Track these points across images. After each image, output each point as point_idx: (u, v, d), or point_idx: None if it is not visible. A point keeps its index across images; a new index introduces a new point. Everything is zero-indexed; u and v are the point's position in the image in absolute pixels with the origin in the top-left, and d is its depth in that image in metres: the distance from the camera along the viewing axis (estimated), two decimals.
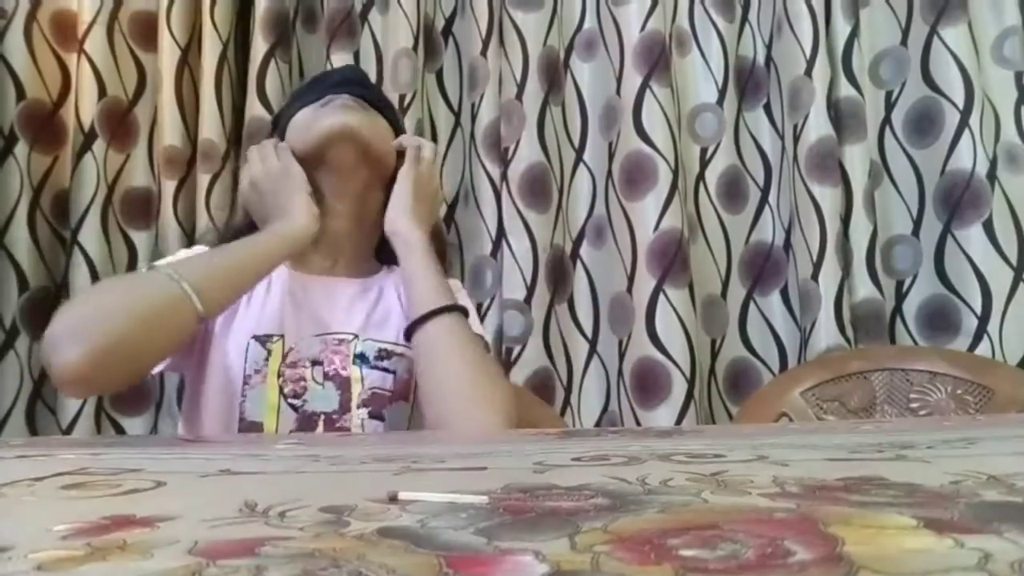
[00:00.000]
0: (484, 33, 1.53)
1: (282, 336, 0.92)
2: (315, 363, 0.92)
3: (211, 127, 1.51)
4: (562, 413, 1.46)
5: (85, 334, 0.75)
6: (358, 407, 0.92)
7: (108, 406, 1.49)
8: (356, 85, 0.97)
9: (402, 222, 0.95)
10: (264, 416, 0.89)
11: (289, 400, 0.90)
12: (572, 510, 0.32)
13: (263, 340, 0.92)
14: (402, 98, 1.52)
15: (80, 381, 0.76)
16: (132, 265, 1.53)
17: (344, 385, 0.92)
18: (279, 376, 0.91)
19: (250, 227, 0.99)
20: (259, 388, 0.90)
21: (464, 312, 0.91)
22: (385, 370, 0.94)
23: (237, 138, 1.55)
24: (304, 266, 0.98)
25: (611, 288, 1.48)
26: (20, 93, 1.49)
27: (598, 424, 1.47)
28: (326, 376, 0.92)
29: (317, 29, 1.62)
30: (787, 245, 1.48)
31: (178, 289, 0.78)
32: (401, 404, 0.94)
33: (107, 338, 0.74)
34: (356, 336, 0.94)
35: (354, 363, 0.93)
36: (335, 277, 0.99)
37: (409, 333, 0.89)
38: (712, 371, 1.50)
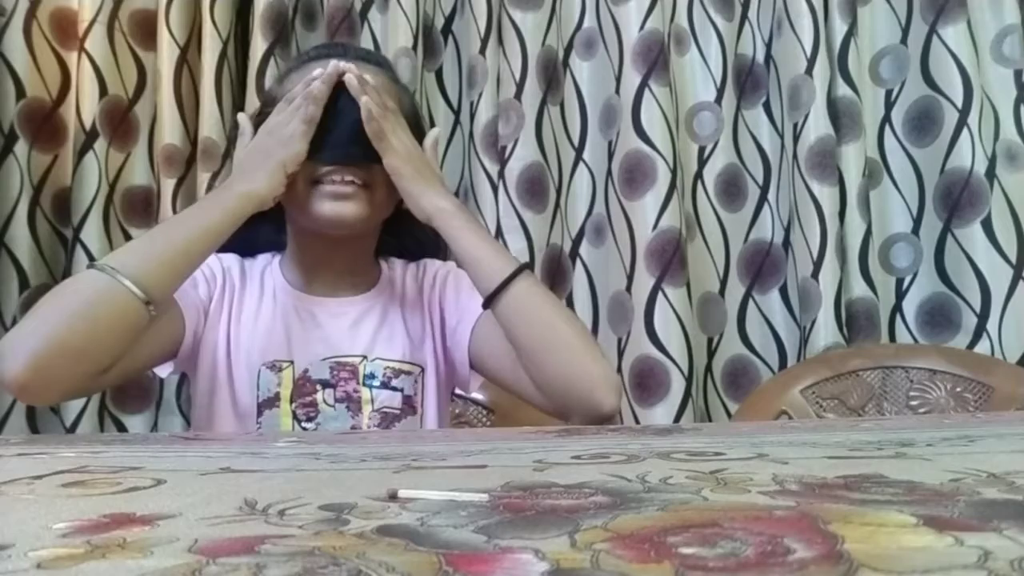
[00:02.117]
0: (483, 32, 1.53)
1: (291, 362, 0.93)
2: (326, 386, 0.93)
3: (211, 125, 1.50)
4: None
5: (22, 342, 0.75)
6: (369, 428, 0.93)
7: (110, 404, 1.49)
8: (351, 143, 0.88)
9: (427, 203, 0.89)
10: None
11: (303, 424, 0.92)
12: (572, 508, 0.32)
13: (273, 367, 0.92)
14: None
15: (24, 389, 0.76)
16: None
17: (355, 406, 0.93)
18: (291, 402, 0.92)
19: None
20: (273, 414, 0.91)
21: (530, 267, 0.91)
22: (393, 388, 0.94)
23: (237, 136, 1.54)
24: (308, 288, 0.98)
25: (610, 287, 1.48)
26: (20, 92, 1.49)
27: None
28: (337, 398, 0.93)
29: (317, 27, 1.62)
30: (786, 243, 1.48)
31: (114, 282, 0.77)
32: (410, 419, 0.95)
33: (45, 343, 0.74)
34: (364, 357, 0.95)
35: (364, 384, 0.94)
36: (339, 297, 0.98)
37: (488, 301, 0.88)
38: (709, 369, 1.50)
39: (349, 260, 0.98)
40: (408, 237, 1.02)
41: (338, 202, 0.89)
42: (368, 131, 0.87)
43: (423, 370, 0.97)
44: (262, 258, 1.01)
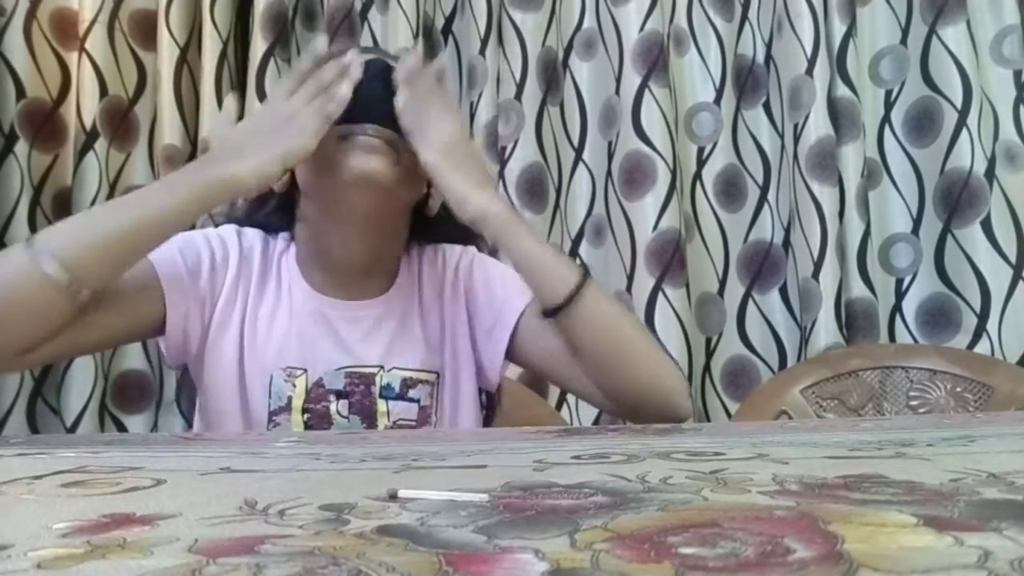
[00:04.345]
0: (483, 32, 1.53)
1: (305, 370, 0.87)
2: (340, 396, 0.88)
3: (211, 126, 1.51)
4: (558, 408, 1.46)
5: None
6: None
7: (111, 404, 1.49)
8: (384, 106, 0.81)
9: (474, 206, 0.82)
10: None
11: None
12: (572, 508, 0.32)
13: (287, 374, 0.87)
14: None
15: None
16: None
17: (370, 418, 0.88)
18: (304, 412, 0.87)
19: (252, 215, 0.92)
20: (284, 423, 0.86)
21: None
22: (410, 399, 0.89)
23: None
24: (324, 286, 0.90)
25: (610, 287, 1.48)
26: (20, 91, 1.50)
27: (597, 422, 1.47)
28: (351, 409, 0.88)
29: (317, 27, 1.62)
30: (786, 243, 1.48)
31: (36, 261, 0.71)
32: (425, 429, 0.91)
33: None
34: (381, 367, 0.89)
35: (380, 396, 0.89)
36: (358, 301, 0.91)
37: (554, 310, 0.83)
38: (707, 369, 1.50)
39: (369, 256, 0.90)
40: (433, 231, 0.94)
41: (368, 155, 0.81)
42: (403, 125, 0.81)
43: (439, 376, 0.92)
44: (281, 239, 0.93)
